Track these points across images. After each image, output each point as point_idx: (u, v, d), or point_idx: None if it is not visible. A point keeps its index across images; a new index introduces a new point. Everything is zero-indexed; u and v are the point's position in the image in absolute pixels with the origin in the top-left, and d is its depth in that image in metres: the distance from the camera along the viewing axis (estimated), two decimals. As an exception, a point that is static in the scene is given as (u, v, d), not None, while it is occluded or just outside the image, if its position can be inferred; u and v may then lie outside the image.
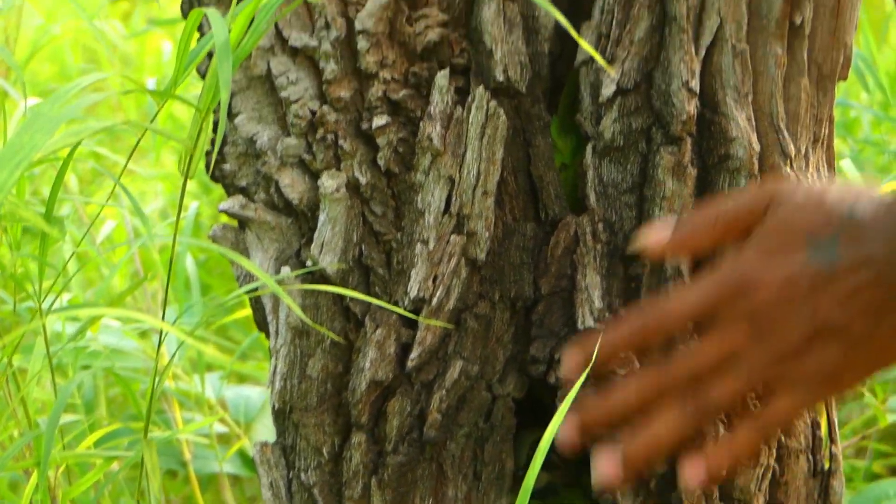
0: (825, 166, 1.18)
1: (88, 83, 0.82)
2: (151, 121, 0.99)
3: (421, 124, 1.04)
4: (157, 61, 2.10)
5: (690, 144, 1.06)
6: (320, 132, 1.04)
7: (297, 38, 1.05)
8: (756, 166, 1.06)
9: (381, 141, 1.04)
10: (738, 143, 1.05)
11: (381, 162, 1.04)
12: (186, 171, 0.95)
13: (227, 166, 1.08)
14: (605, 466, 1.02)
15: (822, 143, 1.17)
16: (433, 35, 1.05)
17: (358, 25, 1.03)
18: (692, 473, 1.01)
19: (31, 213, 1.04)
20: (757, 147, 1.06)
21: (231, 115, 1.07)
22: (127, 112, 2.17)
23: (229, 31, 0.85)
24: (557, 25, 1.10)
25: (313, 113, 1.04)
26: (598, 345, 1.00)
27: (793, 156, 1.09)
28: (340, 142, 1.04)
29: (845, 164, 1.66)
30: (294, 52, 1.04)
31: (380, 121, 1.04)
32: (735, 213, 1.01)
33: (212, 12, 0.84)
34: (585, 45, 0.94)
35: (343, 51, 1.04)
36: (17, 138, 0.81)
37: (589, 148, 1.08)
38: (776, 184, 1.04)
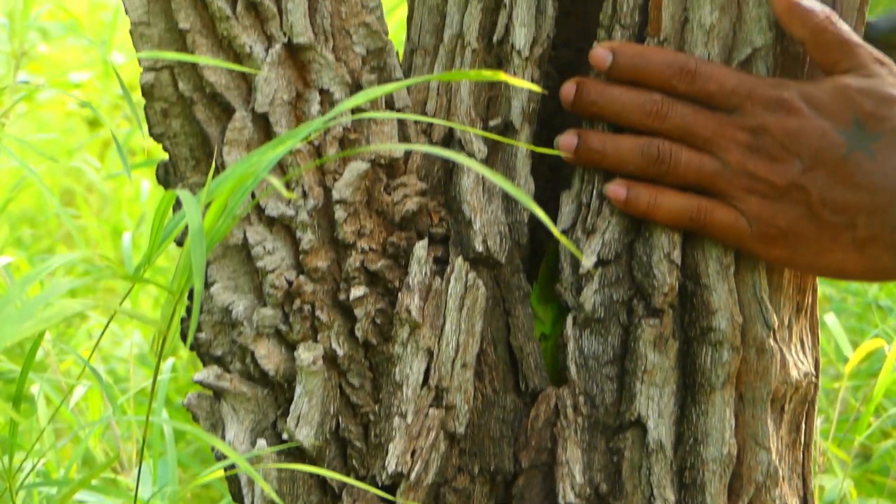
0: (809, 335, 1.18)
1: (59, 264, 0.84)
2: (121, 301, 0.99)
3: (399, 295, 1.04)
4: (136, 196, 2.13)
5: (672, 316, 1.06)
6: (297, 303, 1.04)
7: (274, 207, 1.05)
8: (738, 339, 1.06)
9: (358, 312, 1.04)
10: (721, 316, 1.06)
11: (358, 333, 1.04)
12: (160, 354, 0.95)
13: (202, 335, 1.07)
14: (565, 138, 1.05)
15: (806, 312, 1.18)
16: (411, 204, 1.07)
17: (335, 195, 1.04)
18: (614, 188, 1.04)
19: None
20: (739, 319, 1.06)
21: (207, 284, 1.07)
22: (103, 247, 2.20)
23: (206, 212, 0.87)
24: (538, 192, 1.12)
25: (290, 283, 1.04)
26: (623, 49, 1.03)
27: (776, 327, 1.09)
28: (317, 313, 1.04)
29: (829, 319, 1.69)
30: (271, 222, 1.04)
31: (357, 292, 1.04)
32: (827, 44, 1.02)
33: (185, 195, 0.85)
34: (562, 239, 0.93)
35: (320, 220, 1.05)
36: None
37: (569, 319, 1.08)
38: (874, 57, 1.03)
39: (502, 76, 0.93)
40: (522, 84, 1.07)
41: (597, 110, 1.05)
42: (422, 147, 1.11)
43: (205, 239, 0.85)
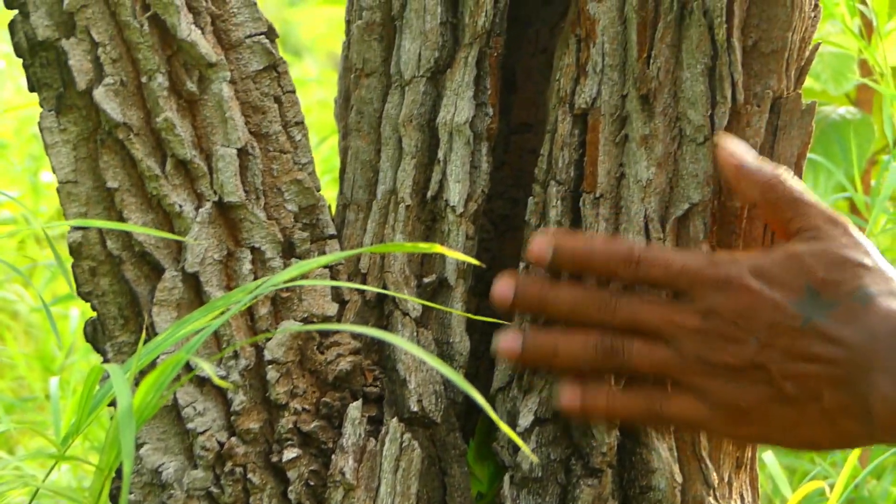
0: (749, 490, 1.18)
1: None
2: (45, 477, 0.99)
3: (333, 457, 1.04)
4: (64, 328, 2.14)
5: (611, 476, 1.06)
6: (229, 465, 1.03)
7: (205, 365, 1.06)
8: (678, 498, 1.06)
9: (291, 474, 1.04)
10: (660, 475, 1.05)
11: (291, 496, 1.03)
12: None
13: (131, 496, 1.07)
14: (505, 339, 1.04)
15: (746, 467, 1.18)
16: (345, 364, 1.07)
17: (267, 355, 1.04)
18: (568, 394, 1.03)
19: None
20: (679, 478, 1.06)
21: (136, 446, 1.05)
22: (31, 383, 2.20)
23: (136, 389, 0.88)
24: (474, 347, 1.12)
25: (221, 445, 1.03)
26: (562, 238, 1.03)
27: (716, 484, 1.10)
28: (249, 475, 1.04)
29: (767, 457, 1.73)
30: (202, 382, 1.04)
31: (290, 454, 1.04)
32: (775, 208, 1.02)
33: (114, 370, 0.85)
34: (487, 409, 0.94)
35: (252, 381, 1.05)
36: None
37: (507, 478, 1.08)
38: (827, 216, 1.03)
39: (437, 248, 0.93)
40: (458, 256, 1.07)
41: (539, 309, 1.06)
42: (355, 328, 1.11)
43: (133, 420, 0.86)
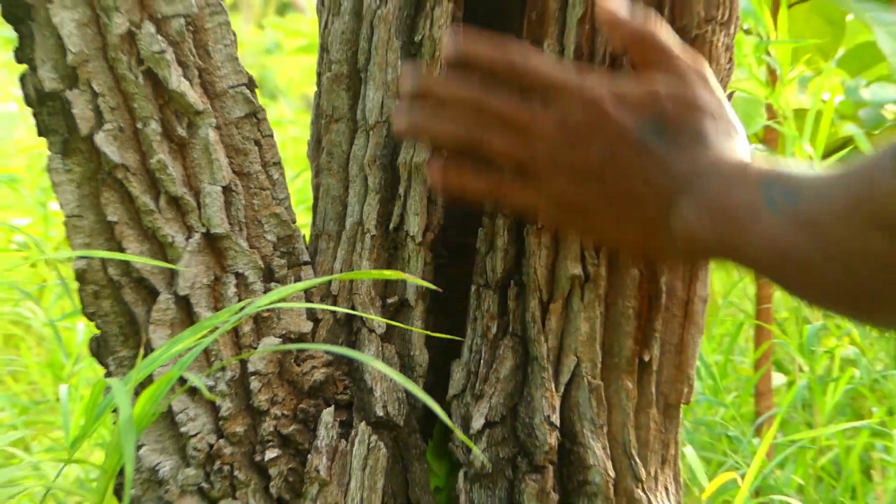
0: (672, 482, 1.26)
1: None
2: (56, 476, 1.08)
3: (309, 457, 1.12)
4: (72, 340, 2.21)
5: (552, 472, 1.14)
6: (217, 464, 1.11)
7: (196, 377, 1.10)
8: (611, 490, 1.14)
9: (272, 471, 1.12)
10: (595, 471, 1.14)
11: (273, 490, 1.11)
12: None
13: (133, 492, 1.13)
14: (398, 113, 1.11)
15: (670, 462, 1.25)
16: (319, 375, 1.15)
17: (251, 367, 1.12)
18: (433, 170, 1.12)
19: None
20: (612, 473, 1.14)
21: (136, 447, 1.12)
22: (43, 388, 2.27)
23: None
24: (431, 360, 1.19)
25: (211, 446, 1.11)
26: (464, 42, 1.08)
27: (643, 479, 1.18)
28: (236, 472, 1.11)
29: (687, 450, 1.80)
30: (193, 391, 1.11)
31: (271, 453, 1.12)
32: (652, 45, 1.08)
33: (116, 385, 0.94)
34: (443, 416, 0.99)
35: (237, 390, 1.12)
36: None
37: (461, 473, 1.15)
38: (690, 66, 1.08)
39: (400, 275, 1.07)
40: (417, 281, 1.15)
41: (433, 93, 1.11)
42: (327, 347, 1.19)
43: (135, 429, 0.95)
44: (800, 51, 2.10)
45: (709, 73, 1.09)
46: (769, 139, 2.18)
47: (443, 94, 1.11)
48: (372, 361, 1.10)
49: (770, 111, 2.10)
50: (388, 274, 1.12)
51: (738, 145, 1.07)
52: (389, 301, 1.18)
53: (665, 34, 1.08)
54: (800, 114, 2.07)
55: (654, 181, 1.06)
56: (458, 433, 1.15)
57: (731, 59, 1.22)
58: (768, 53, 2.02)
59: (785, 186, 0.98)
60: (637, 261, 1.15)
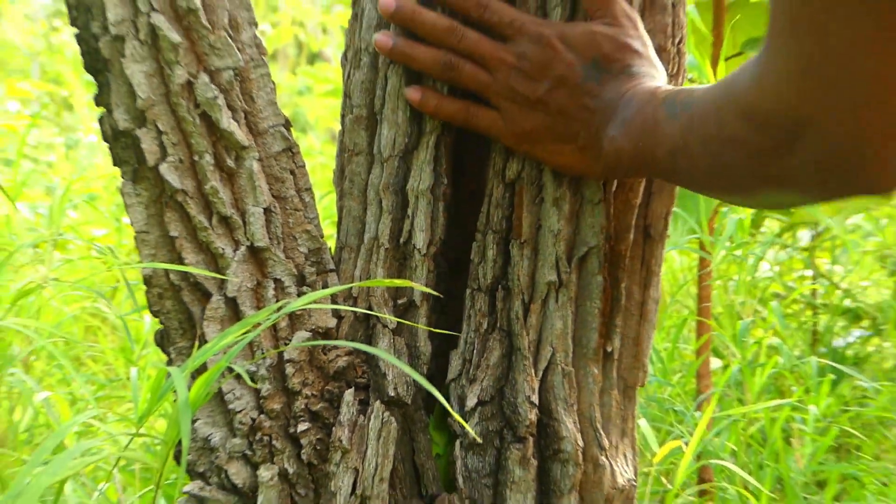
0: (630, 451, 1.28)
1: (81, 450, 0.97)
2: (127, 445, 1.12)
3: (333, 429, 1.16)
4: (140, 329, 2.25)
5: (532, 442, 1.17)
6: (258, 434, 1.15)
7: (241, 364, 1.14)
8: (580, 457, 1.17)
9: (304, 441, 1.15)
10: (567, 441, 1.17)
11: (304, 457, 1.15)
12: (159, 482, 1.08)
13: (189, 458, 1.16)
14: (382, 38, 1.15)
15: (628, 434, 1.28)
16: (342, 362, 1.18)
17: (286, 356, 1.15)
18: (412, 92, 1.16)
19: None
20: (581, 443, 1.18)
21: (192, 422, 1.14)
22: (116, 369, 2.32)
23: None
24: (434, 350, 1.22)
25: (253, 420, 1.15)
26: None
27: (606, 448, 1.21)
28: (274, 442, 1.15)
29: (642, 422, 1.84)
30: (239, 376, 1.13)
31: (303, 426, 1.16)
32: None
33: (175, 372, 0.97)
34: (440, 399, 1.04)
35: (275, 374, 1.15)
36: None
37: (458, 443, 1.19)
38: (625, 12, 1.13)
39: (407, 283, 1.08)
40: (421, 288, 1.19)
41: (409, 24, 1.15)
42: (350, 344, 1.21)
43: (189, 410, 1.01)
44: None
45: (638, 20, 1.14)
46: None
47: (423, 20, 1.15)
48: (384, 355, 1.13)
49: None
50: (399, 282, 1.12)
51: (656, 76, 1.12)
52: (399, 302, 1.20)
53: None
54: None
55: (589, 106, 1.11)
56: (454, 413, 1.16)
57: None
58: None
59: (684, 100, 1.03)
60: (570, 174, 1.18)
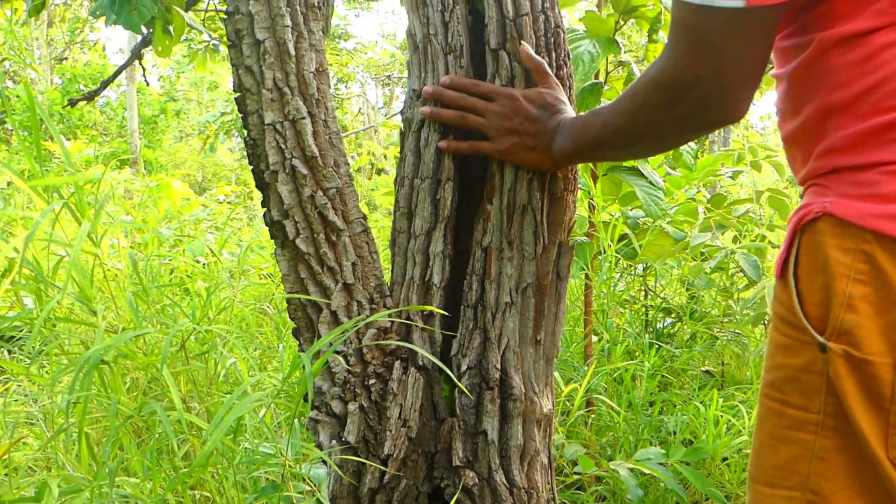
0: (551, 394, 1.29)
1: (255, 397, 1.07)
2: (277, 394, 1.22)
3: (388, 382, 1.24)
4: (286, 322, 2.45)
5: (497, 391, 1.21)
6: (348, 385, 1.22)
7: (339, 346, 1.20)
8: (524, 396, 1.22)
9: (373, 389, 1.23)
10: (516, 389, 1.21)
11: (373, 397, 1.23)
12: (294, 415, 1.17)
13: (311, 399, 1.18)
14: (426, 109, 1.20)
15: (549, 385, 1.30)
16: (393, 346, 1.24)
17: (363, 342, 1.20)
18: (443, 144, 1.21)
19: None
20: (524, 390, 1.22)
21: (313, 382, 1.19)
22: (273, 342, 2.58)
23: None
24: (444, 339, 1.23)
25: (345, 377, 1.22)
26: (455, 78, 1.19)
27: (537, 392, 1.24)
28: (356, 389, 1.22)
29: (556, 375, 1.95)
30: (338, 352, 1.21)
31: (372, 381, 1.23)
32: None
33: (305, 358, 1.10)
34: (446, 369, 1.04)
35: (357, 353, 1.21)
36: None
37: (456, 391, 1.21)
38: (556, 82, 1.18)
39: (429, 307, 1.15)
40: (438, 311, 1.23)
41: (439, 98, 1.20)
42: (402, 344, 1.22)
43: (312, 374, 1.10)
44: (606, 198, 2.26)
45: (559, 84, 1.19)
46: (590, 234, 2.20)
47: (447, 96, 1.20)
48: (416, 348, 1.19)
49: (592, 225, 2.14)
50: (426, 307, 1.23)
51: (573, 112, 1.17)
52: (425, 313, 1.26)
53: (546, 66, 1.18)
54: (605, 225, 2.27)
55: (542, 130, 1.15)
56: (452, 375, 1.23)
57: (575, 207, 1.30)
58: (591, 199, 2.10)
59: (597, 109, 1.09)
60: (536, 169, 1.20)
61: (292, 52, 1.16)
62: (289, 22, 1.16)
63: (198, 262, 3.31)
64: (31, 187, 1.08)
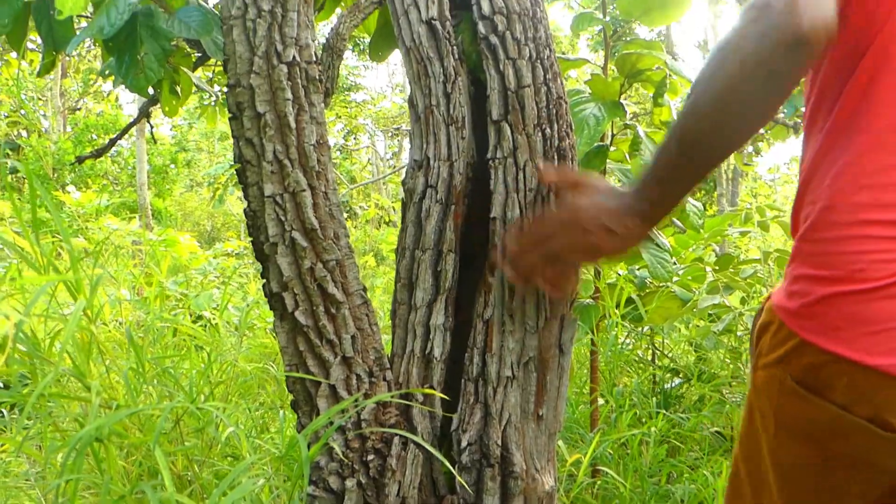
0: (553, 470, 1.27)
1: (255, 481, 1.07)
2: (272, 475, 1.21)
3: (387, 458, 1.21)
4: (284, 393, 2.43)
5: (498, 467, 1.20)
6: (346, 461, 1.19)
7: (337, 419, 1.18)
8: (525, 475, 1.20)
9: (371, 465, 1.21)
10: (517, 466, 1.19)
11: (371, 474, 1.20)
12: (293, 486, 1.17)
13: (309, 475, 1.25)
14: (506, 267, 1.14)
15: (551, 461, 1.27)
16: (393, 419, 1.23)
17: (362, 416, 1.20)
18: (510, 274, 1.15)
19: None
20: (525, 467, 1.20)
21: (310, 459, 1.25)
22: (274, 399, 2.50)
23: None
24: (444, 410, 1.23)
25: (343, 453, 1.18)
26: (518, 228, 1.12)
27: (539, 470, 1.23)
28: (354, 465, 1.19)
29: (560, 443, 1.94)
30: (338, 428, 1.19)
31: (370, 457, 1.21)
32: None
33: (301, 438, 1.09)
34: (440, 457, 1.05)
35: (355, 427, 1.20)
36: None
37: (456, 466, 1.20)
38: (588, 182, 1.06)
39: (432, 391, 1.14)
40: (438, 395, 1.23)
41: (507, 247, 1.15)
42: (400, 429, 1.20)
43: (310, 456, 1.09)
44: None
45: (598, 180, 1.08)
46: (595, 297, 2.10)
47: (522, 265, 1.14)
48: (412, 436, 1.17)
49: (597, 289, 2.02)
50: (426, 391, 1.21)
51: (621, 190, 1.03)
52: (425, 386, 1.26)
53: (569, 174, 1.12)
54: (611, 287, 2.25)
55: (618, 206, 1.00)
56: (445, 462, 1.20)
57: (578, 279, 1.23)
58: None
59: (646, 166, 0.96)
60: (614, 259, 1.07)
61: (293, 125, 1.16)
62: (290, 95, 1.16)
63: (202, 317, 3.30)
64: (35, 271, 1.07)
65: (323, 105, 1.24)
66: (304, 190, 1.19)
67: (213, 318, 3.04)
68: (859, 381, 0.81)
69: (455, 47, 1.25)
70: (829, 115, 0.87)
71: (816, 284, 0.85)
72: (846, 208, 0.84)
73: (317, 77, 1.20)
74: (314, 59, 1.21)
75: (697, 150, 0.85)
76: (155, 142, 3.38)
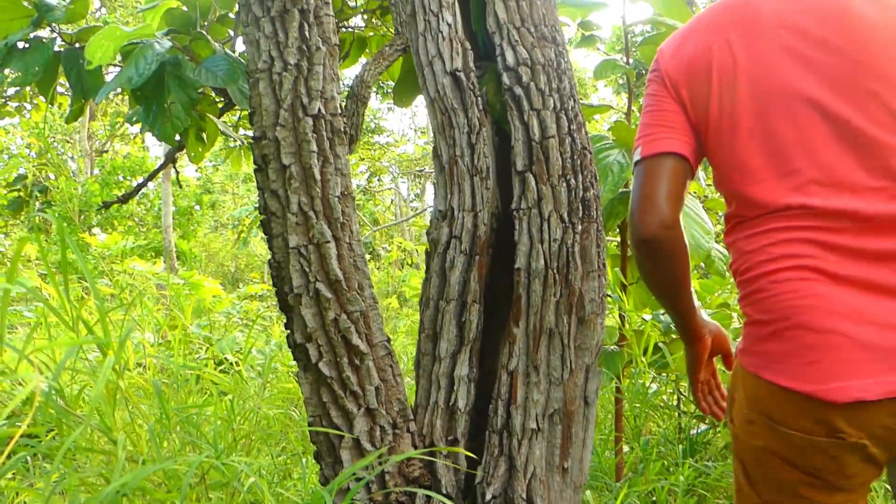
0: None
1: None
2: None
3: None
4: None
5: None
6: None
7: (361, 474, 1.17)
8: None
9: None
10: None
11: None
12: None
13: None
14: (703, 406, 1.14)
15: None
16: (416, 473, 1.23)
17: (385, 469, 1.18)
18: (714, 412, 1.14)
19: None
20: None
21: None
22: (296, 446, 2.37)
23: None
24: (469, 465, 1.22)
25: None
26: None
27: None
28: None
29: (587, 492, 1.91)
30: (359, 478, 1.23)
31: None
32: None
33: (324, 492, 1.06)
34: None
35: (379, 480, 1.18)
36: None
37: None
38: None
39: (457, 449, 1.11)
40: (461, 451, 1.21)
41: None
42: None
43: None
44: (637, 302, 2.22)
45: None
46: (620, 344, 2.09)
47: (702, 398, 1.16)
48: (439, 486, 1.16)
49: (622, 337, 2.02)
50: (447, 448, 1.20)
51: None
52: (449, 438, 1.25)
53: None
54: (637, 334, 2.23)
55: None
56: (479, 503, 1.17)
57: (603, 330, 1.28)
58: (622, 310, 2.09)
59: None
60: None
61: (318, 176, 1.17)
62: (315, 147, 1.18)
63: (225, 359, 3.30)
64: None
65: (347, 157, 1.24)
66: (328, 241, 1.19)
67: (236, 362, 3.04)
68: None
69: (479, 98, 1.26)
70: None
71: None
72: None
73: (342, 129, 1.21)
74: (339, 111, 1.22)
75: (653, 291, 1.05)
76: (181, 186, 3.42)
